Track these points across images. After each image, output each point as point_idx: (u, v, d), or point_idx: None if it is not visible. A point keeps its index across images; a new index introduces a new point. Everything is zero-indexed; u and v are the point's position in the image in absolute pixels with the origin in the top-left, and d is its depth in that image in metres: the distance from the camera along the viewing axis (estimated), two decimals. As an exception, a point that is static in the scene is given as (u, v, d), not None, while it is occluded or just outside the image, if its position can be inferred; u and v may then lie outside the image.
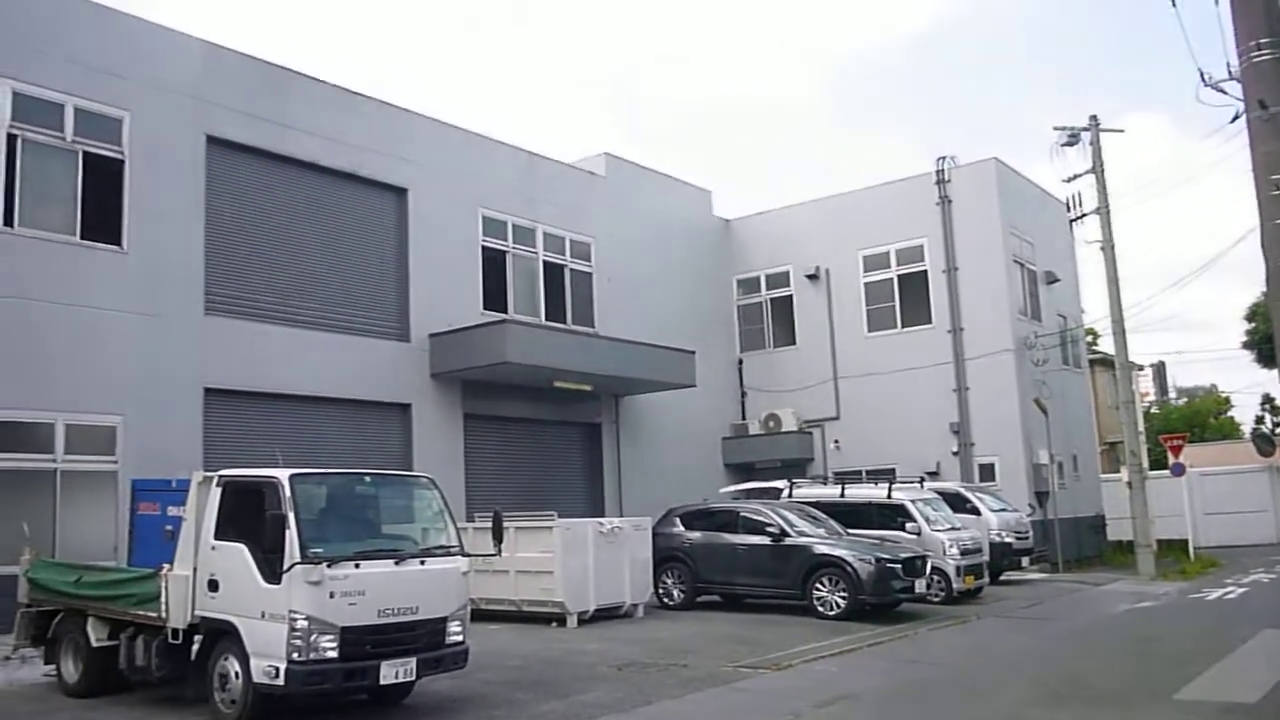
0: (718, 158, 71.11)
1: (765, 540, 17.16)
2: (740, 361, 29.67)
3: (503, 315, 22.05)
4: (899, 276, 27.49)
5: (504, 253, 23.10)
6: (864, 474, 24.96)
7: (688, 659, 12.56)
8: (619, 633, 15.03)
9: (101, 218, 16.44)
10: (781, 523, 17.23)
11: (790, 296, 29.21)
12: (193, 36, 18.16)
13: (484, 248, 22.63)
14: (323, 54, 70.46)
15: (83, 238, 16.21)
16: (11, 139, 15.56)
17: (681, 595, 18.02)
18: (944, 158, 27.09)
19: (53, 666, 11.23)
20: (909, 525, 18.49)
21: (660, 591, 18.05)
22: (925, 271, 27.11)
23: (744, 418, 29.04)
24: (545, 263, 24.09)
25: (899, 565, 16.19)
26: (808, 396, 27.98)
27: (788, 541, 16.92)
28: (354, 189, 20.40)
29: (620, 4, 73.68)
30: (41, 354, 15.36)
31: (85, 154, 16.38)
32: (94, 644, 10.49)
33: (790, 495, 20.23)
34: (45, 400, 15.36)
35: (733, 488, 23.64)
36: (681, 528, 18.46)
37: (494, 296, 22.61)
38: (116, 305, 16.35)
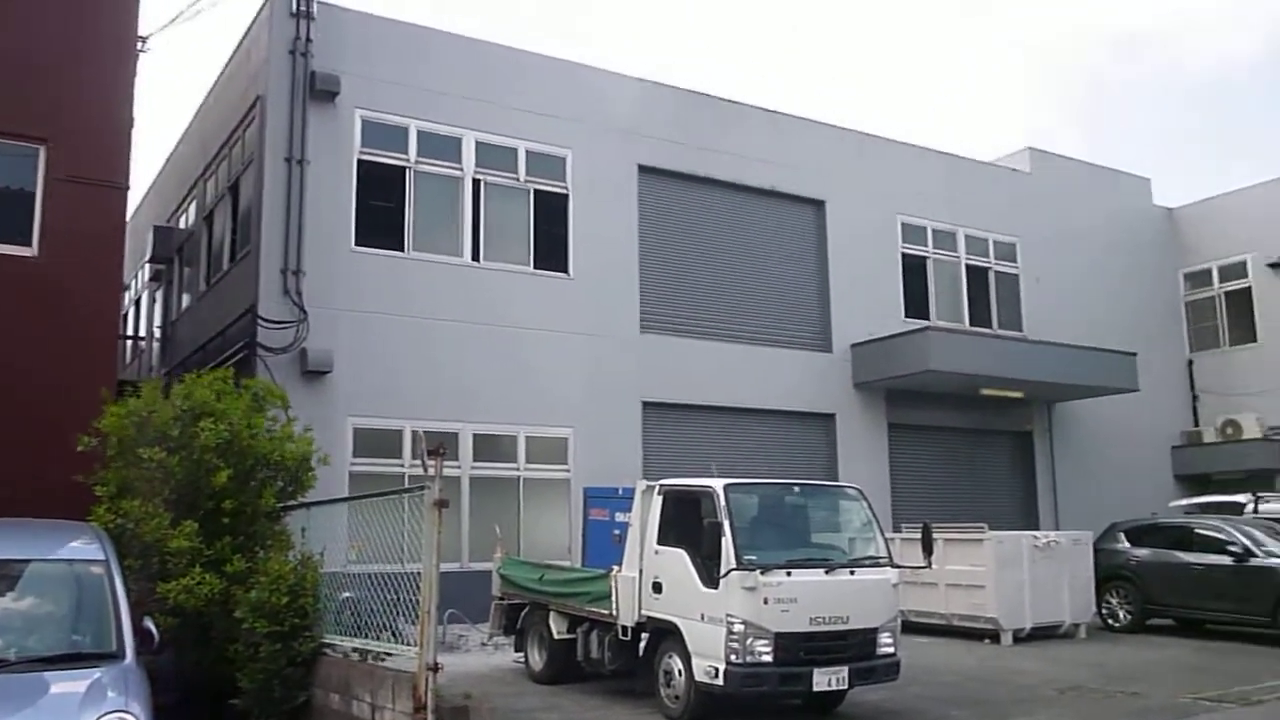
0: (1163, 142, 65.19)
1: (1226, 560, 15.58)
2: (1190, 362, 27.11)
3: (925, 323, 21.67)
4: (1389, 259, 23.93)
5: (924, 258, 22.74)
6: (1351, 488, 21.90)
7: (1138, 686, 11.70)
8: (1059, 653, 14.30)
9: (550, 248, 18.16)
10: (1246, 541, 15.56)
11: (1249, 288, 26.26)
12: (625, 75, 19.57)
13: (903, 254, 22.40)
14: (737, 74, 72.87)
15: (535, 267, 17.97)
16: (476, 183, 17.61)
17: (1128, 617, 16.79)
18: None
19: (521, 654, 12.52)
20: None
21: (1104, 611, 16.94)
22: None
23: (1197, 424, 26.48)
24: (968, 266, 23.42)
25: (1398, 594, 14.07)
26: (1274, 399, 25.00)
27: (1254, 562, 15.25)
28: (773, 204, 20.99)
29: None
30: (506, 373, 17.17)
31: (535, 191, 18.15)
32: (555, 636, 11.58)
33: (1255, 511, 18.23)
34: (510, 415, 17.16)
35: (1185, 501, 21.65)
36: (1127, 544, 17.22)
37: (915, 303, 22.32)
38: (565, 327, 17.92)
